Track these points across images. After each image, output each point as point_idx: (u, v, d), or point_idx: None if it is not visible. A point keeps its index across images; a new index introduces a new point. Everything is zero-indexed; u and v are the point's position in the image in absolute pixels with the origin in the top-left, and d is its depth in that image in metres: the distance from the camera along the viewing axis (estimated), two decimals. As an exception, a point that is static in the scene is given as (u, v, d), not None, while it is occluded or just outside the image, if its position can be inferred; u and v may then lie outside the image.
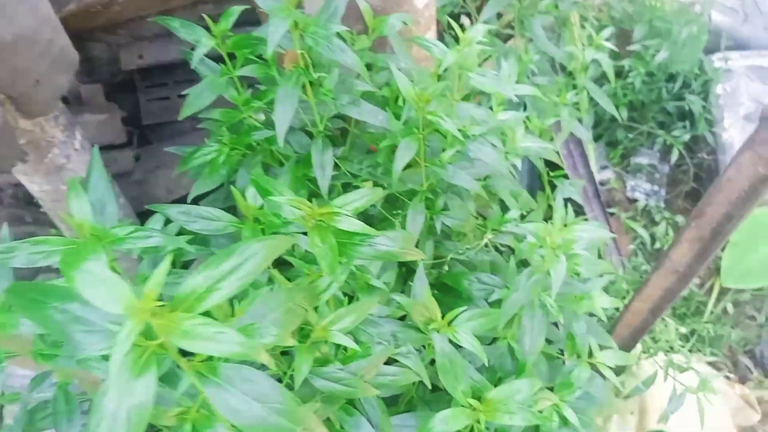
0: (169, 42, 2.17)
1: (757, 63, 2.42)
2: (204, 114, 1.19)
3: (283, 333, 0.64)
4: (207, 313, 0.53)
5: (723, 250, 2.15)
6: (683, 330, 2.10)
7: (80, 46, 2.30)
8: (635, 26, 2.34)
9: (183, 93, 1.12)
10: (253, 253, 0.54)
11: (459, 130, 1.13)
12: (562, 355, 1.33)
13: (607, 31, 1.60)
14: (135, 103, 2.35)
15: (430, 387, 1.01)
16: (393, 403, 1.19)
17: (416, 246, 1.32)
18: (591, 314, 1.37)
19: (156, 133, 2.38)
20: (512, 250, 1.45)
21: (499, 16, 2.52)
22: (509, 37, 2.18)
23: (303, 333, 0.78)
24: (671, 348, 2.06)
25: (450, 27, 1.58)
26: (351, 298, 1.05)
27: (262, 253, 0.54)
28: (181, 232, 1.05)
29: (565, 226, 1.14)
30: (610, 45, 1.68)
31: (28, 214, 2.14)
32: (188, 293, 0.51)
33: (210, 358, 0.56)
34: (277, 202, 0.75)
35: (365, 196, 0.79)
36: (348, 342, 0.78)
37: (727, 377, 2.07)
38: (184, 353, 0.55)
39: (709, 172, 2.38)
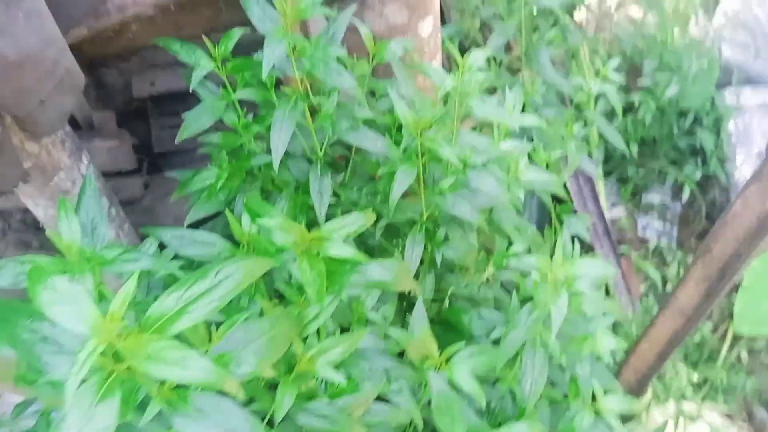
0: (181, 70, 2.19)
1: (769, 101, 2.40)
2: (205, 138, 1.18)
3: (264, 363, 0.61)
4: (182, 337, 0.50)
5: (736, 293, 2.08)
6: (695, 377, 2.02)
7: (94, 73, 2.34)
8: (645, 60, 2.33)
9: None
10: (228, 274, 0.51)
11: (459, 159, 1.11)
12: (566, 399, 1.28)
13: (614, 62, 1.59)
14: (147, 131, 2.37)
15: (421, 427, 0.96)
16: (389, 444, 1.14)
17: (416, 279, 1.29)
18: (598, 357, 1.32)
19: (166, 161, 2.39)
20: (518, 287, 1.41)
21: (509, 49, 2.53)
22: (518, 71, 2.18)
23: (289, 365, 0.75)
24: (683, 395, 1.99)
25: (457, 59, 1.58)
26: (346, 332, 1.02)
27: (238, 275, 0.52)
28: (176, 258, 1.03)
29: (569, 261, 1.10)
30: (618, 77, 1.66)
31: (36, 240, 2.14)
32: (158, 315, 0.49)
33: (183, 386, 0.53)
34: (267, 224, 0.73)
35: (358, 221, 0.77)
36: (334, 375, 0.74)
37: (742, 429, 1.98)
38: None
39: (721, 211, 2.33)
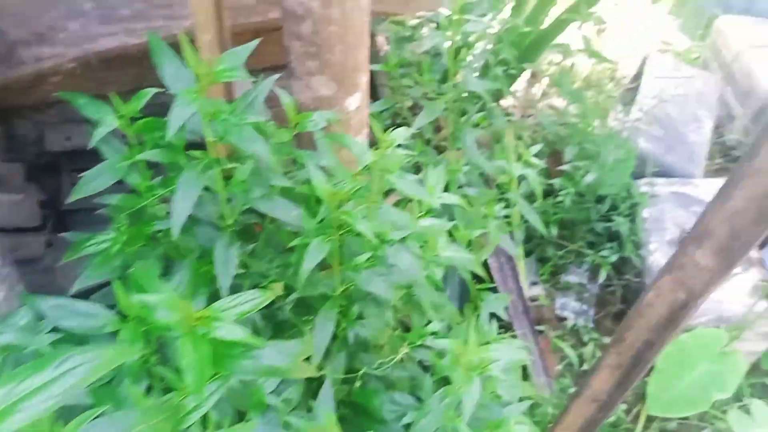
0: (98, 126, 2.11)
1: (680, 190, 2.53)
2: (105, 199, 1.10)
3: (123, 464, 0.52)
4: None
5: (649, 375, 2.11)
6: (610, 459, 2.00)
7: (5, 123, 2.21)
8: (566, 147, 2.42)
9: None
10: (75, 365, 0.44)
11: (377, 234, 1.08)
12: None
13: (536, 147, 1.63)
14: (58, 186, 2.24)
15: None
16: None
17: (326, 358, 1.22)
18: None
19: (75, 219, 2.25)
20: (434, 367, 1.36)
21: (439, 129, 2.58)
22: (446, 150, 2.21)
23: (161, 461, 0.66)
24: (599, 478, 1.95)
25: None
26: (243, 417, 0.93)
27: (86, 368, 0.44)
28: (56, 331, 0.93)
29: (487, 343, 1.07)
30: (539, 161, 1.71)
31: None
32: (-21, 413, 0.40)
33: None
34: (149, 301, 0.65)
35: (254, 299, 0.70)
36: (212, 475, 0.66)
37: None
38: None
39: (636, 294, 2.40)
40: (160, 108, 1.09)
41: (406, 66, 2.36)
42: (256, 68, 1.79)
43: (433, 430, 1.02)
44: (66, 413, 0.65)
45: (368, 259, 1.12)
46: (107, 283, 1.19)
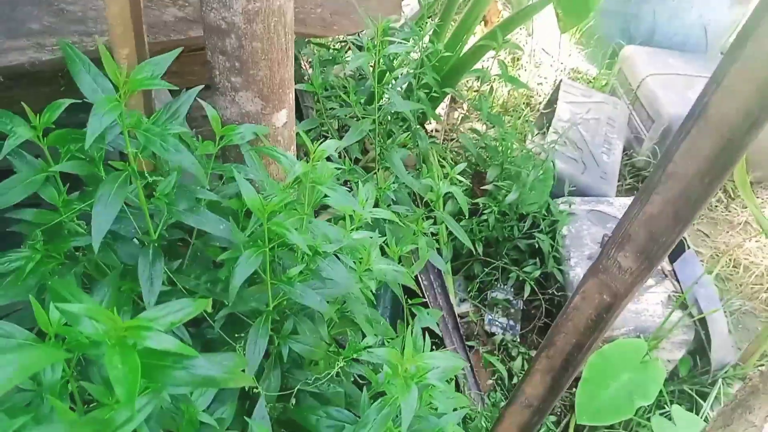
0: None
1: (596, 208, 2.66)
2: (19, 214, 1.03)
3: (44, 481, 0.48)
4: None
5: (576, 387, 2.17)
6: (542, 470, 2.03)
7: None
8: (488, 169, 2.50)
9: None
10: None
11: (309, 247, 1.06)
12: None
13: (460, 166, 1.68)
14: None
15: None
16: None
17: (260, 375, 1.18)
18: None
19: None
20: (370, 382, 1.35)
21: (366, 151, 2.61)
22: (374, 170, 2.23)
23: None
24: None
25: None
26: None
27: (5, 372, 0.40)
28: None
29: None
30: (463, 180, 1.75)
31: None
32: None
33: None
34: (71, 310, 0.61)
35: (185, 308, 0.67)
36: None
37: None
38: None
39: (559, 308, 2.48)
40: (80, 128, 1.03)
41: (331, 88, 2.38)
42: (179, 88, 1.74)
43: (371, 444, 1.01)
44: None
45: (301, 272, 1.10)
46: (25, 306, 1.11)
